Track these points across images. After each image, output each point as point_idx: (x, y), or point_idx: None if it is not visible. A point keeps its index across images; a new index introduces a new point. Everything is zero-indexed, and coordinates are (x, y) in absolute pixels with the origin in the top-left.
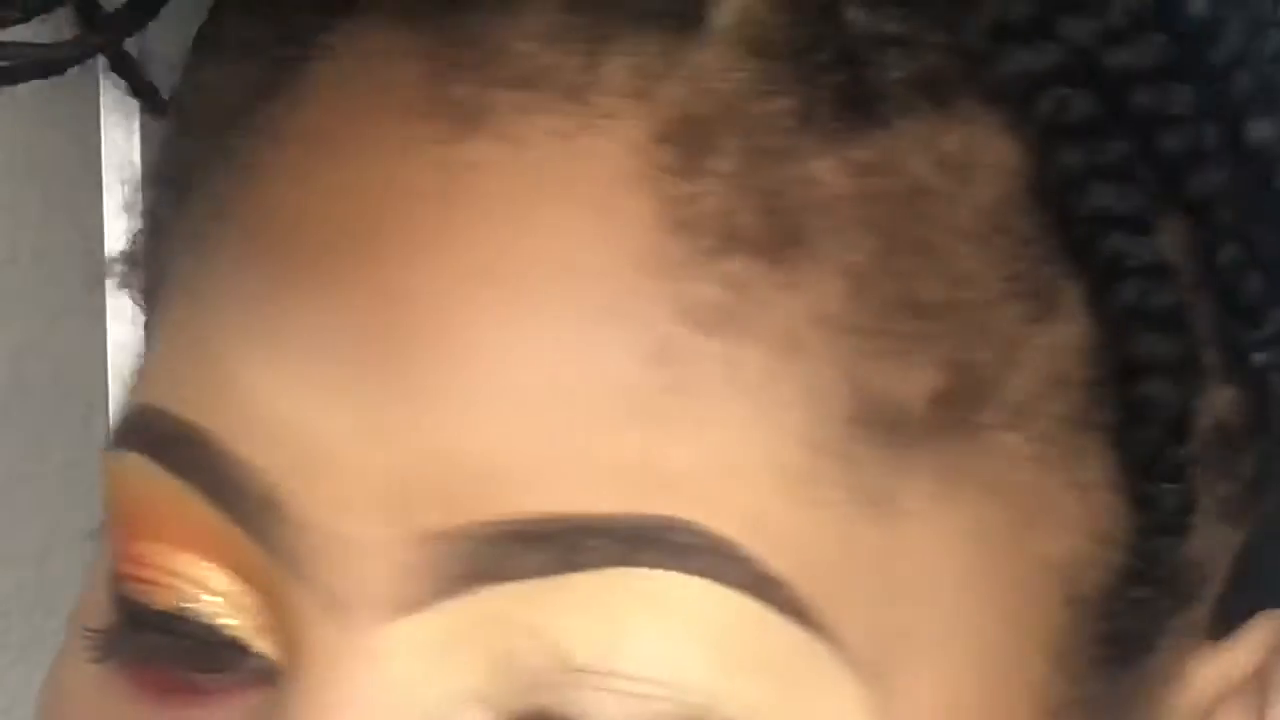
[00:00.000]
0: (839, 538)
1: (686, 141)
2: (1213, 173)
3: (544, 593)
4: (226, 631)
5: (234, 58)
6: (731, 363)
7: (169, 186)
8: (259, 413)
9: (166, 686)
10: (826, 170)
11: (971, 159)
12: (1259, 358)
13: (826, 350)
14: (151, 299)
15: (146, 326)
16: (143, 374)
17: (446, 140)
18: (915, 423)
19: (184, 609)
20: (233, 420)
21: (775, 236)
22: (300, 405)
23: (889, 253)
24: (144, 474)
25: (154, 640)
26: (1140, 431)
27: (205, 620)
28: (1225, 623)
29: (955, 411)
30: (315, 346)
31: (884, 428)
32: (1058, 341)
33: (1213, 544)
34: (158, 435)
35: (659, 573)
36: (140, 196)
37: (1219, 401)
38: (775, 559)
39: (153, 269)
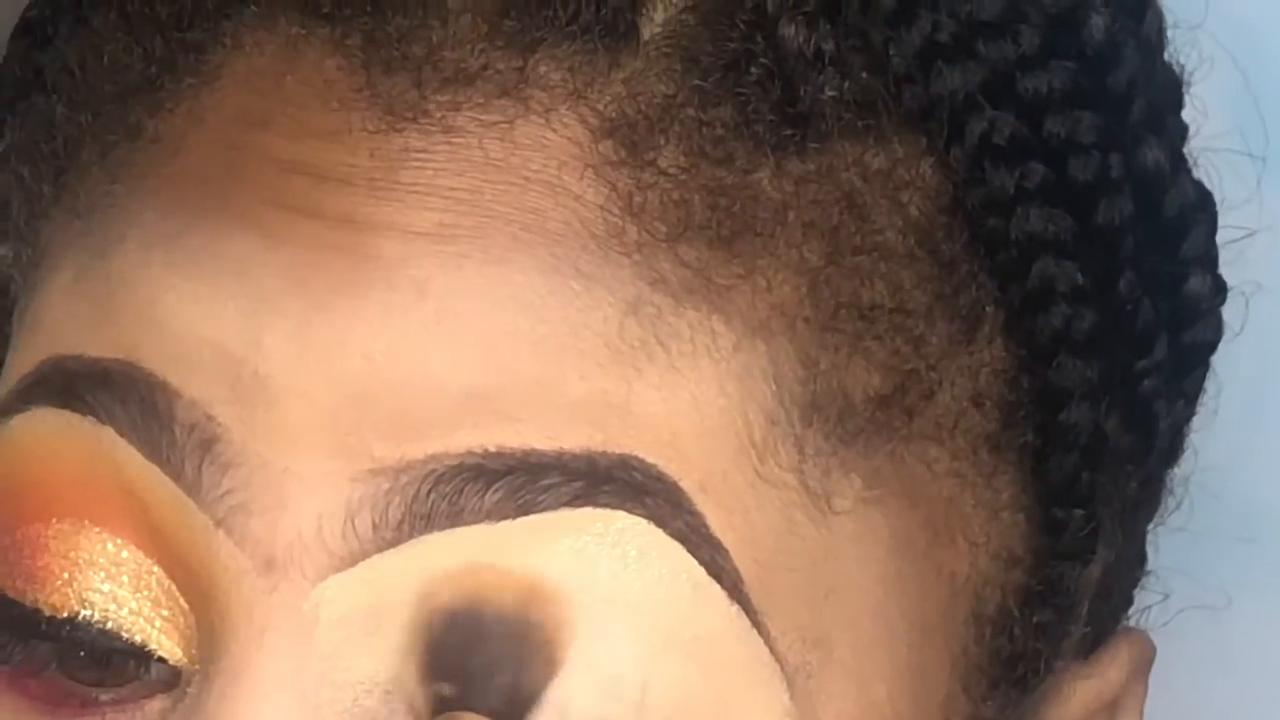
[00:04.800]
0: (781, 524)
1: (628, 139)
2: (1119, 201)
3: (490, 541)
4: (127, 638)
5: (123, 37)
6: (705, 330)
7: (42, 161)
8: (186, 336)
9: (56, 698)
10: (767, 178)
11: (897, 179)
12: (1147, 384)
13: (787, 337)
14: (26, 270)
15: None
16: (28, 338)
17: (376, 130)
18: (855, 420)
19: (80, 614)
20: (161, 347)
21: (726, 231)
22: (230, 329)
23: (835, 255)
24: (48, 430)
25: (44, 650)
26: (1058, 456)
27: (103, 627)
28: (1092, 639)
29: (889, 415)
30: (244, 272)
31: (830, 420)
32: (981, 362)
33: (1096, 565)
34: (70, 380)
35: (610, 513)
36: None
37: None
38: (721, 524)
39: (22, 240)
